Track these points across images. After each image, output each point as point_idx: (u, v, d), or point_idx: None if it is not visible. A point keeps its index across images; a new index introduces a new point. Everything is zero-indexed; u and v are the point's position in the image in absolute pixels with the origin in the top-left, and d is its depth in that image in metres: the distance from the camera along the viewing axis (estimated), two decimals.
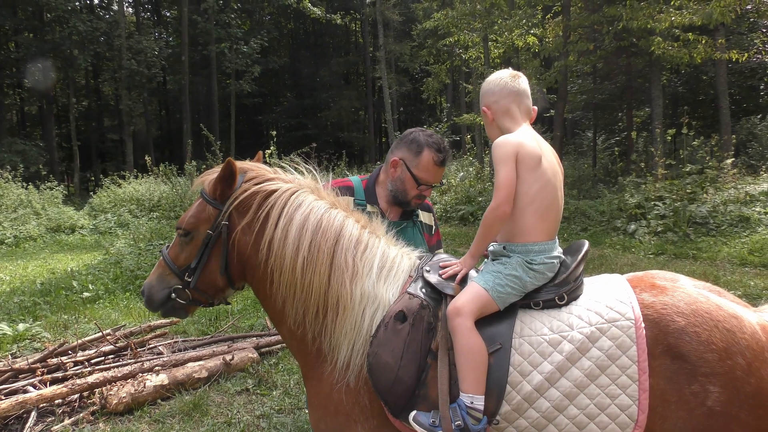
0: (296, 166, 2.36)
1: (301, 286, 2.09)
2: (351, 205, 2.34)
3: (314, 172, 2.36)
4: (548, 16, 17.86)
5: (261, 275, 2.18)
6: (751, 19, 16.75)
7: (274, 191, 2.18)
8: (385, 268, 2.14)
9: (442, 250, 3.09)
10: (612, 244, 10.00)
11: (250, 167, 2.29)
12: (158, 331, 5.75)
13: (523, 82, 2.25)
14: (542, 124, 24.32)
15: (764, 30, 17.20)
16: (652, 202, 10.98)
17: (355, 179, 3.00)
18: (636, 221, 10.64)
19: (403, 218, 2.94)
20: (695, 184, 11.33)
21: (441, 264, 2.18)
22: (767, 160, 14.25)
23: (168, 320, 5.91)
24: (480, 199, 14.10)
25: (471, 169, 17.58)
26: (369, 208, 2.84)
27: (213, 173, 2.27)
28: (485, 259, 2.24)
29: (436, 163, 2.79)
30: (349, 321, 2.06)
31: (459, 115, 22.46)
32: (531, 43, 16.89)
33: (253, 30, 31.49)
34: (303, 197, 2.19)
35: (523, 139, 2.08)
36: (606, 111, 19.77)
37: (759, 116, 16.41)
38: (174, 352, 5.21)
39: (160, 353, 5.17)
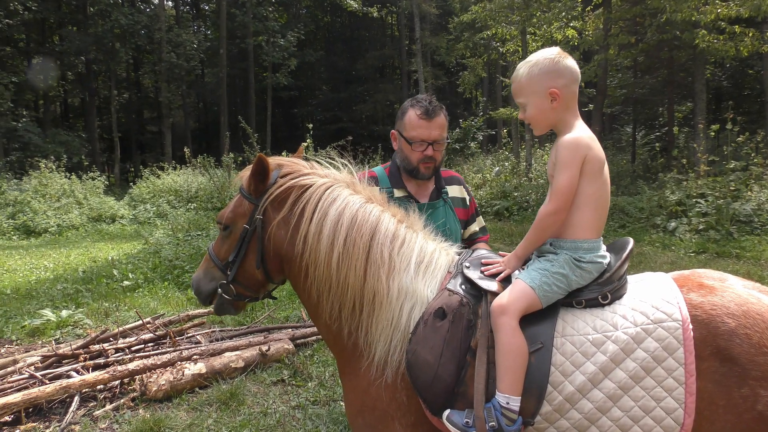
0: (332, 160, 2.36)
1: (336, 281, 2.09)
2: (386, 198, 2.30)
3: (350, 166, 2.36)
4: (588, 8, 17.52)
5: (297, 270, 2.19)
6: None
7: (309, 186, 2.19)
8: (423, 263, 2.12)
9: (481, 221, 3.07)
10: (651, 242, 9.80)
11: (286, 162, 2.30)
12: (196, 321, 5.84)
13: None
14: (581, 118, 23.95)
15: None
16: (694, 200, 10.72)
17: (378, 169, 3.00)
18: (677, 218, 10.42)
19: (433, 198, 2.92)
20: (739, 182, 11.01)
21: (483, 261, 2.15)
22: None
23: (206, 310, 6.02)
24: (515, 194, 13.97)
25: (507, 163, 17.43)
26: (396, 192, 2.85)
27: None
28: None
29: (420, 117, 2.76)
30: (385, 316, 2.04)
31: (495, 109, 22.24)
32: (570, 36, 16.60)
33: (289, 23, 31.69)
34: (338, 192, 2.18)
35: (591, 141, 1.99)
36: (646, 106, 19.34)
37: None
38: (211, 341, 5.30)
39: (198, 342, 5.26)
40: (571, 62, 2.05)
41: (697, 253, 8.98)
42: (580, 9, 16.66)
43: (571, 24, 16.03)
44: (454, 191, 3.01)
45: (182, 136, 31.87)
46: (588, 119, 20.27)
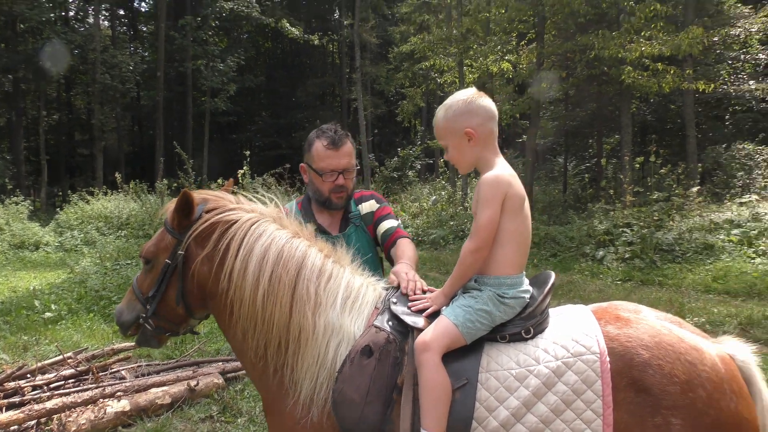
0: (260, 195, 2.35)
1: (261, 319, 2.05)
2: (313, 232, 2.29)
3: (277, 200, 2.35)
4: (522, 42, 18.17)
5: (221, 306, 2.15)
6: (718, 51, 17.23)
7: (235, 221, 2.16)
8: (350, 298, 2.11)
9: (394, 222, 2.95)
10: (581, 270, 10.10)
11: (212, 197, 2.27)
12: (122, 355, 5.62)
13: (493, 104, 2.19)
14: (514, 149, 24.64)
15: (730, 62, 17.70)
16: (620, 229, 11.14)
17: (291, 204, 2.98)
18: (604, 247, 10.78)
19: (343, 227, 2.90)
20: (662, 212, 11.52)
21: (410, 297, 2.16)
22: (731, 188, 14.57)
23: (132, 343, 5.80)
24: (452, 223, 14.17)
25: (444, 192, 17.68)
26: (309, 227, 2.82)
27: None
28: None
29: (327, 147, 2.77)
30: (311, 354, 2.02)
31: (433, 138, 22.60)
32: (505, 69, 17.14)
33: (230, 48, 31.43)
34: (264, 227, 2.16)
35: (512, 178, 2.05)
36: (577, 137, 20.10)
37: (724, 146, 16.79)
38: (137, 376, 5.09)
39: (123, 378, 5.04)
40: (485, 101, 2.12)
41: (624, 281, 9.30)
42: (514, 43, 17.25)
43: (506, 57, 16.54)
44: (366, 208, 2.99)
45: (115, 159, 30.93)
46: (522, 150, 20.93)
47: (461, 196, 16.34)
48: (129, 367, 5.32)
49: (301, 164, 2.95)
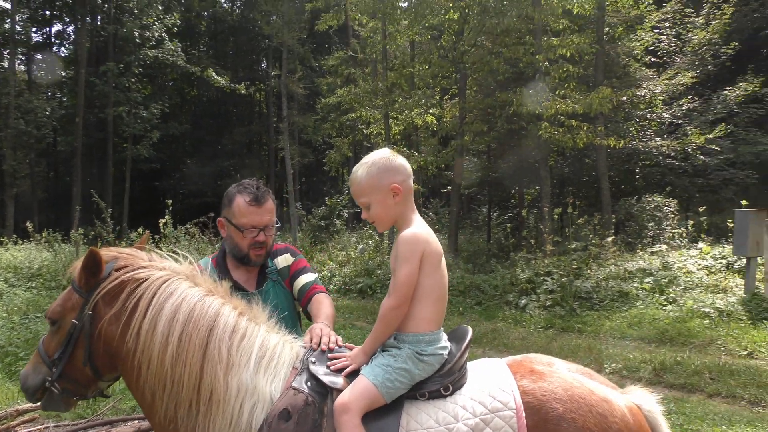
0: (175, 251, 2.30)
1: (170, 380, 1.99)
2: (228, 289, 2.26)
3: (191, 258, 2.30)
4: (446, 97, 18.84)
5: (129, 367, 2.08)
6: (626, 110, 18.36)
7: (145, 279, 2.11)
8: (265, 358, 2.07)
9: (311, 276, 2.94)
10: (505, 318, 10.29)
11: (122, 254, 2.22)
12: (27, 416, 5.27)
13: None
14: (440, 199, 25.17)
15: (638, 120, 18.87)
16: (542, 277, 11.48)
17: (204, 260, 2.93)
18: (527, 296, 11.06)
19: (260, 283, 2.87)
20: (580, 261, 11.99)
21: (329, 356, 2.14)
22: (643, 238, 15.34)
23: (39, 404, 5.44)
24: (379, 272, 14.21)
25: (371, 241, 17.76)
26: (224, 283, 2.79)
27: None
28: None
29: (249, 204, 2.75)
30: (224, 416, 1.96)
31: None
32: (430, 122, 17.64)
33: (154, 95, 30.96)
34: (176, 285, 2.11)
35: (429, 235, 2.09)
36: (499, 188, 20.75)
37: (635, 198, 17.74)
38: None
39: None
40: (402, 160, 2.18)
41: (546, 329, 9.54)
42: (438, 98, 17.83)
43: (431, 111, 17.05)
44: (281, 262, 2.97)
45: (28, 207, 29.50)
46: (447, 199, 21.39)
47: (388, 245, 16.47)
48: (35, 429, 5.00)
49: (219, 218, 2.90)
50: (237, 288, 2.77)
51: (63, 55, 34.51)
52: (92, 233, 16.21)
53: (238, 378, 2.00)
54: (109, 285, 2.10)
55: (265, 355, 2.08)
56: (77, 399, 2.27)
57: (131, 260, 2.19)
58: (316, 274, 3.00)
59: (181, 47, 30.51)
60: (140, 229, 13.47)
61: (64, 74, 30.60)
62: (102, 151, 30.14)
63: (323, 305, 2.71)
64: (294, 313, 2.91)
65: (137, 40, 27.81)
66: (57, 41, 34.53)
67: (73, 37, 32.41)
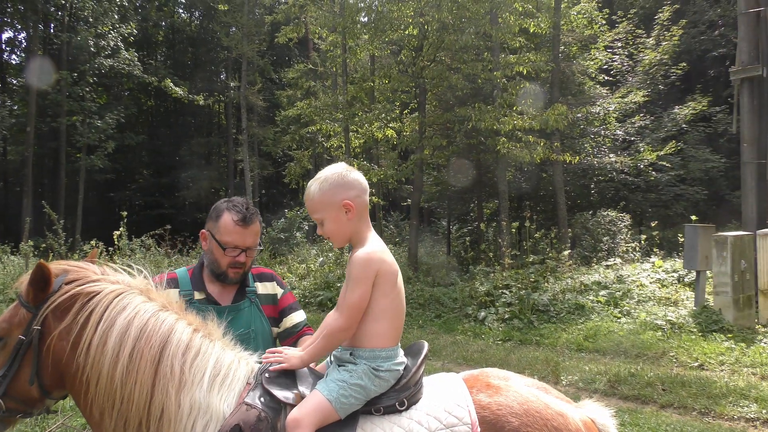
0: (129, 265, 2.24)
1: (120, 397, 1.93)
2: (183, 305, 2.20)
3: (146, 271, 2.25)
4: (406, 111, 18.98)
5: (78, 384, 2.00)
6: (582, 126, 18.81)
7: (97, 293, 2.04)
8: (220, 375, 2.02)
9: (301, 314, 2.96)
10: (464, 331, 10.35)
11: (73, 267, 2.14)
12: None
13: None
14: (400, 212, 25.27)
15: (592, 136, 19.34)
16: (500, 290, 11.60)
17: (181, 270, 2.88)
18: (486, 308, 11.15)
19: (237, 299, 2.81)
20: (538, 274, 12.17)
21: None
22: (598, 252, 15.67)
23: None
24: (338, 284, 14.13)
25: (331, 254, 17.68)
26: (197, 295, 2.74)
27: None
28: (328, 360, 2.21)
29: (236, 223, 2.71)
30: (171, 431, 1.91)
31: None
32: (390, 136, 17.73)
33: (109, 104, 30.33)
34: (129, 299, 2.06)
35: (383, 254, 2.07)
36: (459, 202, 20.97)
37: (590, 212, 18.14)
38: None
39: None
40: (357, 175, 2.16)
41: (504, 341, 9.63)
42: (398, 112, 17.95)
43: (391, 125, 17.16)
44: (264, 288, 2.94)
45: None
46: (407, 213, 21.46)
47: (348, 258, 16.44)
48: None
49: (203, 231, 2.84)
50: (209, 301, 2.74)
51: (14, 62, 33.65)
52: (43, 245, 15.73)
53: (191, 396, 1.95)
54: (59, 299, 2.03)
55: (220, 372, 2.04)
56: (20, 417, 2.16)
57: (82, 273, 2.12)
58: (304, 314, 2.99)
59: (138, 57, 30.01)
60: (93, 241, 13.12)
61: (15, 82, 29.76)
62: (54, 161, 29.35)
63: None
64: (269, 338, 2.84)
65: (92, 49, 27.22)
66: (8, 48, 33.64)
67: (25, 44, 31.61)
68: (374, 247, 2.09)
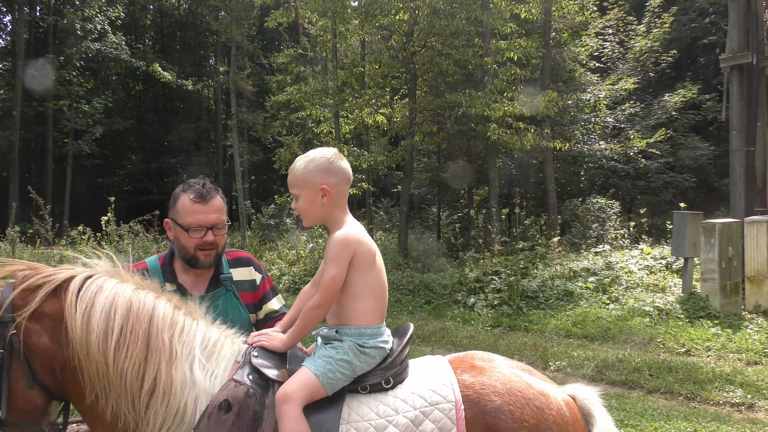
0: (95, 250, 2.18)
1: (113, 374, 1.89)
2: (158, 285, 2.17)
3: (112, 256, 2.18)
4: (396, 97, 18.89)
5: (70, 373, 1.95)
6: (572, 114, 18.82)
7: (62, 281, 1.98)
8: (206, 350, 2.02)
9: (281, 300, 2.91)
10: (453, 317, 10.37)
11: (24, 266, 2.05)
12: None
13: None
14: (390, 198, 25.25)
15: (583, 123, 19.36)
16: (490, 277, 11.62)
17: (152, 259, 2.78)
18: (475, 294, 11.17)
19: (211, 288, 2.72)
20: (527, 260, 12.20)
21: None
22: (587, 239, 15.73)
23: None
24: None
25: (321, 240, 17.65)
26: (168, 287, 2.59)
27: None
28: (316, 341, 2.21)
29: (193, 201, 2.62)
30: (170, 409, 1.90)
31: None
32: (380, 122, 17.67)
33: (97, 89, 30.03)
34: (102, 281, 2.01)
35: (360, 235, 2.10)
36: (449, 189, 20.97)
37: (580, 199, 18.20)
38: None
39: None
40: (345, 164, 2.20)
41: (493, 327, 9.66)
42: (388, 98, 17.87)
43: (381, 111, 17.09)
44: (241, 274, 2.83)
45: None
46: (397, 199, 21.44)
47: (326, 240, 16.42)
48: None
49: (166, 220, 2.75)
50: (181, 292, 2.62)
51: None
52: (30, 231, 15.62)
53: (182, 371, 1.94)
54: (18, 299, 1.93)
55: (207, 348, 2.04)
56: None
57: (40, 270, 2.02)
58: (283, 300, 2.94)
59: (126, 41, 29.70)
60: (81, 227, 13.02)
61: (0, 65, 29.37)
62: (41, 146, 29.07)
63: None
64: (247, 325, 2.76)
65: (79, 33, 26.92)
66: None
67: (10, 27, 31.15)
68: (351, 229, 2.12)
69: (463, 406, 1.96)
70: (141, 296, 2.03)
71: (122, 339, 1.92)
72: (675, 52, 21.51)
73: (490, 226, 14.68)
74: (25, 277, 1.97)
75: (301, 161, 2.17)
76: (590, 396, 2.16)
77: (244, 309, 2.78)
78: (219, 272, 2.77)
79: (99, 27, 27.61)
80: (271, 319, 2.82)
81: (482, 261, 12.57)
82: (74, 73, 27.09)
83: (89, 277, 2.02)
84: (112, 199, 12.67)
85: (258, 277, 2.89)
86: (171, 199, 2.73)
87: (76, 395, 1.99)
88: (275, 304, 2.88)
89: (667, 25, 20.94)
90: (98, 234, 13.00)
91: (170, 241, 2.77)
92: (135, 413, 1.92)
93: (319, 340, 2.17)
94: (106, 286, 2.00)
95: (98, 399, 1.93)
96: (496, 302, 10.68)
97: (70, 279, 1.99)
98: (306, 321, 2.08)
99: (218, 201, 2.69)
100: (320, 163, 2.15)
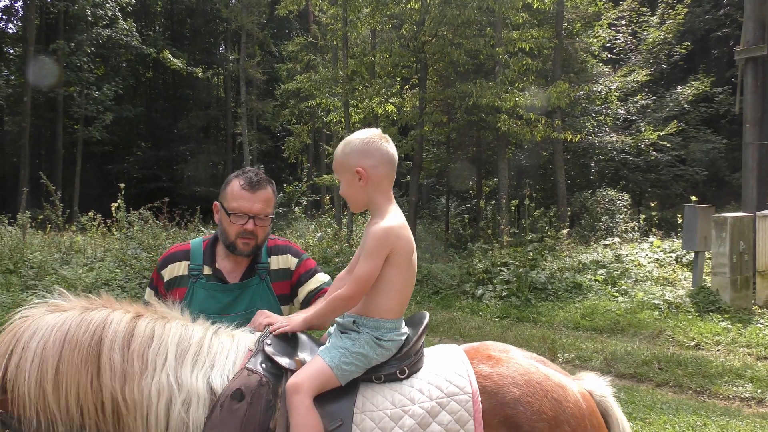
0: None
1: (61, 411, 1.82)
2: (113, 301, 2.08)
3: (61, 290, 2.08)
4: (406, 87, 18.81)
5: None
6: (583, 105, 18.68)
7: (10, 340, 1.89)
8: (189, 353, 1.95)
9: (320, 277, 2.78)
10: (461, 308, 10.36)
11: None
12: None
13: (394, 149, 2.17)
14: (399, 189, 25.21)
15: (594, 115, 19.23)
16: (498, 268, 11.59)
17: (196, 241, 2.78)
18: (483, 285, 11.15)
19: (246, 276, 2.69)
20: (536, 252, 12.16)
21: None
22: (597, 231, 15.66)
23: None
24: (337, 260, 14.14)
25: (329, 229, 17.67)
26: (205, 270, 2.64)
27: None
28: (331, 328, 2.19)
29: (242, 187, 2.59)
30: (148, 418, 1.85)
31: (319, 175, 22.68)
32: (390, 112, 17.60)
33: (107, 75, 30.06)
34: (35, 325, 1.90)
35: (401, 230, 2.04)
36: (458, 179, 20.90)
37: (590, 191, 18.10)
38: None
39: None
40: (383, 145, 2.11)
41: (501, 318, 9.65)
42: (399, 87, 17.79)
43: (391, 100, 17.01)
44: (278, 262, 2.78)
45: None
46: (406, 189, 21.42)
47: (347, 233, 16.42)
48: None
49: (215, 202, 2.75)
50: (216, 278, 2.63)
51: (11, 31, 33.25)
52: (40, 216, 15.68)
53: (156, 380, 1.87)
54: None
55: (188, 349, 1.96)
56: None
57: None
58: (325, 276, 2.81)
59: (136, 28, 29.67)
60: (91, 213, 13.06)
61: (12, 51, 29.44)
62: (51, 132, 29.16)
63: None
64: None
65: (89, 19, 26.90)
66: (4, 17, 33.21)
67: (22, 13, 31.19)
68: (393, 221, 2.05)
69: (480, 398, 1.94)
70: (86, 319, 1.93)
71: (59, 374, 1.83)
72: (688, 44, 21.29)
73: (498, 217, 14.63)
74: None
75: (341, 145, 2.14)
76: (606, 392, 2.14)
77: (275, 299, 2.72)
78: (256, 261, 2.73)
79: (110, 13, 27.59)
80: (312, 297, 2.73)
81: (491, 252, 12.54)
82: (85, 60, 27.10)
83: (17, 328, 1.91)
84: (122, 185, 12.70)
85: (294, 263, 2.81)
86: (224, 183, 2.72)
87: None
88: (312, 284, 2.77)
89: (680, 17, 20.72)
90: (108, 220, 13.05)
91: (216, 224, 2.75)
92: None
93: (334, 327, 2.15)
94: (41, 327, 1.90)
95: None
96: (504, 293, 10.66)
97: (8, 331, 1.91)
98: (331, 309, 2.06)
99: (267, 193, 2.66)
100: (355, 145, 2.10)
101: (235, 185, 2.62)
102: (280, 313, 2.67)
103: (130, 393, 1.85)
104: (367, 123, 18.66)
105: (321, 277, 2.79)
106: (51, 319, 1.92)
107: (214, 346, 2.01)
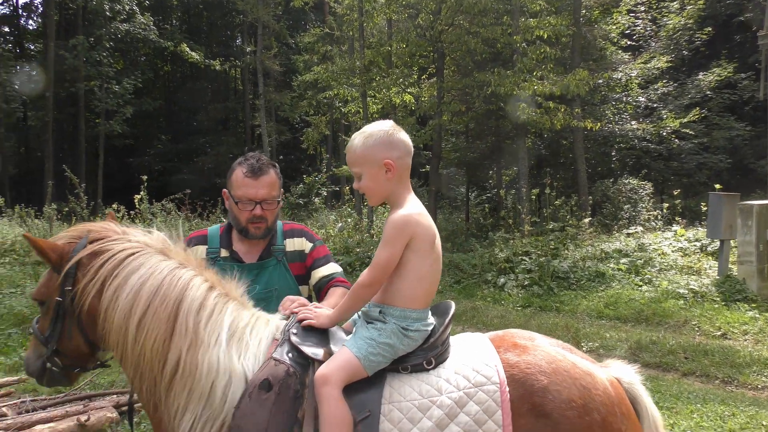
0: (150, 224, 2.28)
1: (133, 353, 1.97)
2: (202, 262, 2.22)
3: (166, 230, 2.28)
4: (424, 76, 18.70)
5: (104, 337, 2.08)
6: (603, 93, 18.43)
7: (114, 252, 2.07)
8: (236, 335, 2.02)
9: (331, 267, 2.86)
10: (483, 297, 10.33)
11: (96, 227, 2.18)
12: (2, 390, 5.14)
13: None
14: (418, 179, 25.14)
15: (614, 103, 18.97)
16: (520, 257, 11.53)
17: (213, 228, 2.89)
18: (505, 275, 11.10)
19: (263, 257, 2.80)
20: (557, 241, 12.06)
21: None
22: (619, 220, 15.49)
23: (15, 378, 5.41)
24: (358, 250, 14.16)
25: (350, 219, 17.69)
26: (223, 252, 2.75)
27: (60, 239, 2.16)
28: (356, 317, 2.19)
29: (245, 175, 2.70)
30: (193, 393, 1.93)
31: (338, 166, 22.68)
32: (408, 101, 17.53)
33: (126, 69, 30.29)
34: (144, 259, 2.07)
35: (420, 217, 2.03)
36: (478, 169, 20.76)
37: (611, 180, 17.88)
38: (20, 413, 4.66)
39: (4, 415, 4.60)
40: (404, 136, 2.11)
41: (524, 307, 9.60)
42: (416, 77, 17.69)
43: (408, 90, 16.93)
44: (293, 245, 2.89)
45: None
46: (425, 179, 21.34)
47: (367, 223, 16.43)
48: (11, 403, 4.87)
49: (224, 190, 2.85)
50: (234, 258, 2.75)
51: (31, 27, 33.63)
52: (66, 209, 15.88)
53: (209, 356, 1.95)
54: (81, 257, 2.07)
55: (236, 332, 2.03)
56: (79, 371, 2.26)
57: (104, 233, 2.16)
58: (338, 266, 2.88)
59: (153, 21, 29.82)
60: (115, 205, 13.20)
61: (33, 47, 29.77)
62: (73, 126, 29.50)
63: (333, 297, 2.62)
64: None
65: (107, 14, 27.11)
66: (24, 14, 33.59)
67: (41, 9, 31.52)
68: (412, 209, 2.05)
69: (508, 388, 1.92)
70: (177, 275, 2.06)
71: (144, 320, 1.97)
72: (710, 29, 20.89)
73: (519, 207, 14.53)
74: (94, 240, 2.11)
75: (359, 138, 2.09)
76: (634, 379, 2.12)
77: (293, 280, 2.82)
78: (272, 243, 2.83)
79: (127, 8, 27.76)
80: (324, 284, 2.81)
81: (512, 241, 12.47)
82: (104, 54, 27.32)
83: (132, 254, 2.08)
84: (145, 177, 12.82)
85: (308, 246, 2.90)
86: (229, 170, 2.81)
87: (119, 360, 2.09)
88: (324, 270, 2.85)
89: (701, 2, 20.32)
90: (131, 212, 13.19)
91: (228, 210, 2.85)
92: (156, 393, 1.98)
93: (360, 316, 2.14)
94: (145, 266, 2.05)
95: (126, 369, 2.04)
96: (526, 282, 10.60)
97: (115, 252, 2.07)
98: (354, 299, 2.06)
99: (270, 177, 2.75)
100: (379, 137, 2.07)
101: (238, 173, 2.73)
102: (299, 293, 2.75)
103: (189, 360, 1.94)
104: (385, 113, 18.62)
105: (334, 267, 2.87)
106: (154, 261, 2.07)
107: (255, 333, 2.06)
